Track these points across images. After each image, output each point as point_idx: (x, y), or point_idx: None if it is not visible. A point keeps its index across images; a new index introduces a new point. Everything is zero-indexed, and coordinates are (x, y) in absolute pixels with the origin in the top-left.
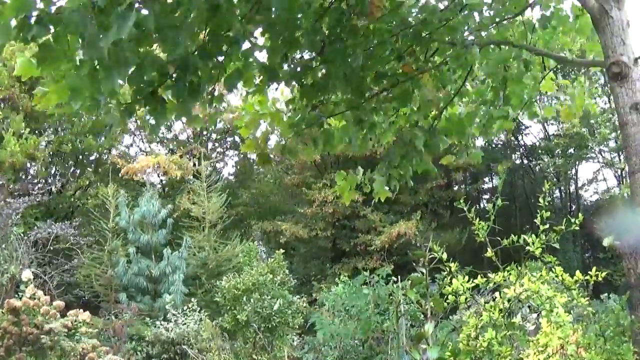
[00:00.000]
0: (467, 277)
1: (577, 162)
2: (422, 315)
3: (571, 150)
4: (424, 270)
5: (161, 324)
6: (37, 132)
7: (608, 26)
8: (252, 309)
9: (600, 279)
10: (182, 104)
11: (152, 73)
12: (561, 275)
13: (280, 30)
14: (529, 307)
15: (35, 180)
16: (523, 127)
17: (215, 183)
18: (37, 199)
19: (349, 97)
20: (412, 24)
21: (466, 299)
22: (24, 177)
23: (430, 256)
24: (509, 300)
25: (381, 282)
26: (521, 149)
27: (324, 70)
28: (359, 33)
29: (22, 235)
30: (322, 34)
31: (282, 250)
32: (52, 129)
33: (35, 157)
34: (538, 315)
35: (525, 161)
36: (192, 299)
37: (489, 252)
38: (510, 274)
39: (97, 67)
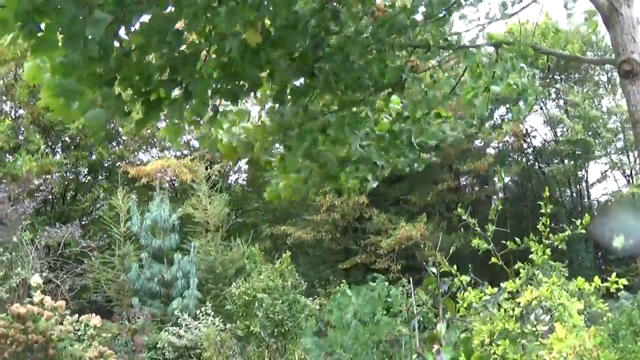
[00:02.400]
0: (477, 289)
1: (585, 164)
2: (434, 317)
3: (579, 152)
4: (435, 271)
5: (174, 331)
6: (52, 146)
7: (618, 23)
8: (264, 315)
9: (621, 285)
10: (176, 107)
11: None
12: (579, 284)
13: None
14: (541, 307)
15: (47, 188)
16: (531, 130)
17: (214, 186)
18: (43, 201)
19: (345, 95)
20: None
21: (477, 309)
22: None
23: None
24: (520, 305)
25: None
26: (528, 152)
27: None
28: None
29: (31, 240)
30: (317, 35)
31: (289, 253)
32: (67, 143)
33: (49, 171)
34: (551, 316)
35: (535, 163)
36: (208, 303)
37: (494, 259)
38: (519, 277)
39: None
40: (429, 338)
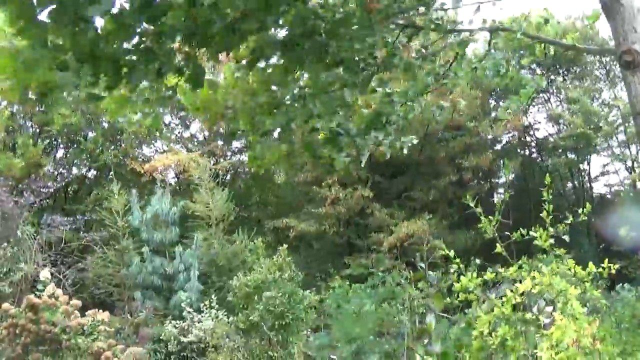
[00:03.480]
0: (475, 274)
1: (587, 157)
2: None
3: (580, 145)
4: (423, 265)
5: (177, 324)
6: (48, 140)
7: (619, 14)
8: (265, 307)
9: (613, 271)
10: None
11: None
12: (574, 268)
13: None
14: (544, 299)
15: (49, 183)
16: (534, 123)
17: (216, 179)
18: (47, 196)
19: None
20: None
21: (476, 295)
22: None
23: (437, 254)
24: (521, 295)
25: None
26: (533, 144)
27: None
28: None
29: (34, 234)
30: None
31: (285, 246)
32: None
33: (41, 164)
34: (553, 308)
35: (537, 156)
36: (213, 297)
37: (498, 248)
38: (522, 268)
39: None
40: (418, 332)
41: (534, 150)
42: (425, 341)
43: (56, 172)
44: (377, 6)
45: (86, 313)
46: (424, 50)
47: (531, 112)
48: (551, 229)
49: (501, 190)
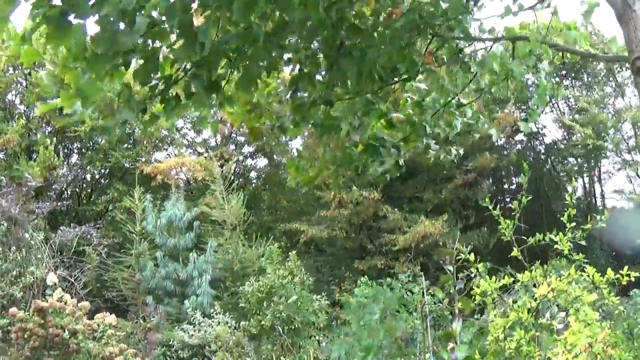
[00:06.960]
0: (494, 278)
1: (597, 163)
2: (449, 315)
3: (590, 148)
4: (451, 268)
5: (188, 328)
6: (66, 148)
7: (631, 20)
8: (274, 312)
9: (633, 278)
10: (198, 98)
11: (160, 70)
12: (592, 275)
13: (297, 27)
14: (557, 305)
15: (59, 188)
16: (543, 127)
17: (231, 185)
18: (58, 204)
19: (359, 87)
20: (424, 19)
21: (494, 299)
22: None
23: (458, 257)
24: (536, 300)
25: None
26: (542, 148)
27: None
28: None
29: (44, 240)
30: (338, 30)
31: (294, 252)
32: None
33: (55, 167)
34: (566, 313)
35: (547, 159)
36: (217, 302)
37: (515, 252)
38: (537, 273)
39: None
40: (443, 336)
41: (543, 155)
42: (450, 346)
43: (70, 177)
44: (398, 12)
45: (95, 316)
46: (444, 58)
47: (539, 117)
48: (569, 234)
49: (510, 194)
